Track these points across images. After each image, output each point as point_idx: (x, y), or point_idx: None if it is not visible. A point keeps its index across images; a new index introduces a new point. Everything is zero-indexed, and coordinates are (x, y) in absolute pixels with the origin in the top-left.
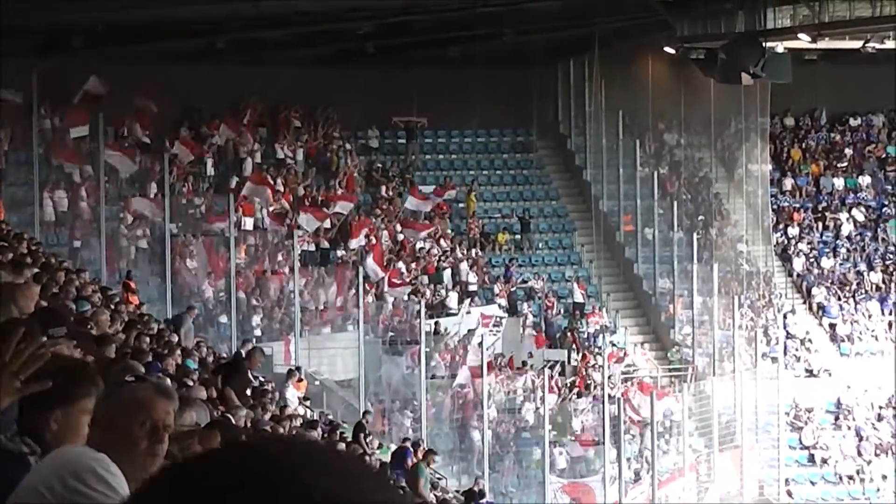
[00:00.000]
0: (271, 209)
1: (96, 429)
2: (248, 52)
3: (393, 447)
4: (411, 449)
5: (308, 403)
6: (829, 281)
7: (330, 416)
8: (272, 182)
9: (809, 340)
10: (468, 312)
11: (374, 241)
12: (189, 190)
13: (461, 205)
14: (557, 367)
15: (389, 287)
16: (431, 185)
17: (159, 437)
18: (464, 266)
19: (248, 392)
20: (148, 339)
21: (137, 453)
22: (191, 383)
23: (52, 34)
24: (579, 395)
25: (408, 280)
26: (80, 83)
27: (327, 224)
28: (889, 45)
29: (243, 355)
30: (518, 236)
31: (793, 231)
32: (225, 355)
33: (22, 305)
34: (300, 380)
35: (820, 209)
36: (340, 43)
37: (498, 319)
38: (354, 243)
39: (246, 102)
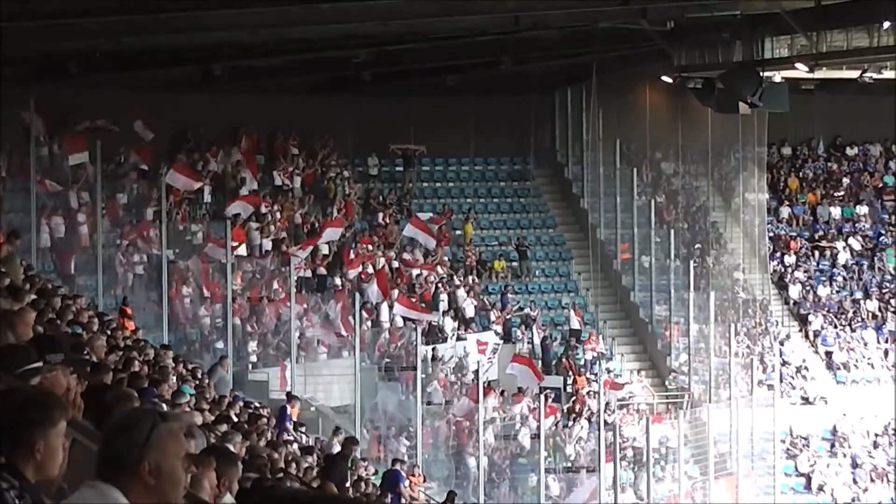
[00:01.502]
0: (268, 237)
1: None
2: (246, 79)
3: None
4: (402, 473)
5: (303, 429)
6: (826, 309)
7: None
8: (269, 206)
9: (806, 368)
10: (459, 339)
11: (371, 269)
12: (183, 217)
13: (458, 232)
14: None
15: (399, 304)
16: (428, 213)
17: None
18: (460, 293)
19: (348, 484)
20: (144, 366)
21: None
22: (187, 409)
23: (49, 61)
24: (575, 422)
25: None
26: (78, 110)
27: (325, 250)
28: (886, 74)
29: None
30: (515, 264)
31: (789, 259)
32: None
33: (19, 332)
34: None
35: (817, 238)
36: (337, 71)
37: (495, 346)
38: (353, 273)
39: (243, 129)
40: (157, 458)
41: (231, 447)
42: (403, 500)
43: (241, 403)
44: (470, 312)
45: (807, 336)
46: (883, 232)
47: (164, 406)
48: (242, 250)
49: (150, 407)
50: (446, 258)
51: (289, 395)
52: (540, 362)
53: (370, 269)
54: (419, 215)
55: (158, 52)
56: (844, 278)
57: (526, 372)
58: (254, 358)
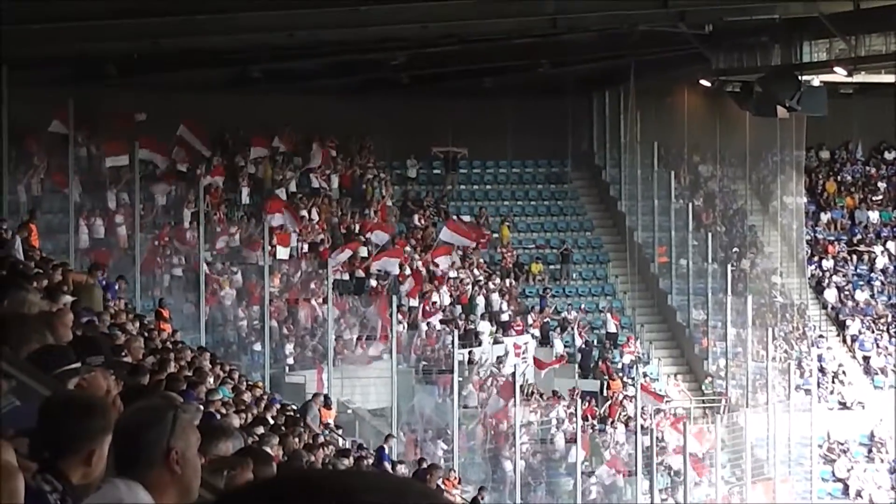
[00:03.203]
0: (306, 240)
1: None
2: (283, 81)
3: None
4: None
5: (340, 432)
6: (864, 314)
7: (361, 444)
8: (306, 212)
9: (843, 373)
10: (496, 342)
11: (409, 270)
12: (221, 218)
13: (495, 235)
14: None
15: (423, 317)
16: (466, 215)
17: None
18: (496, 296)
19: None
20: (182, 368)
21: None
22: (224, 412)
23: (86, 63)
24: (610, 426)
25: (440, 308)
26: (116, 111)
27: (363, 253)
28: None
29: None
30: (553, 266)
31: (827, 264)
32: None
33: (59, 333)
34: (328, 406)
35: (854, 242)
36: (375, 73)
37: (526, 348)
38: (386, 266)
39: (281, 131)
40: (183, 446)
41: (268, 449)
42: None
43: (278, 406)
44: (506, 316)
45: (844, 341)
46: None
47: (202, 408)
48: (284, 254)
49: (162, 400)
50: (482, 261)
51: (321, 396)
52: (577, 366)
53: (408, 271)
54: (454, 218)
55: (196, 54)
56: (882, 283)
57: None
58: (290, 360)
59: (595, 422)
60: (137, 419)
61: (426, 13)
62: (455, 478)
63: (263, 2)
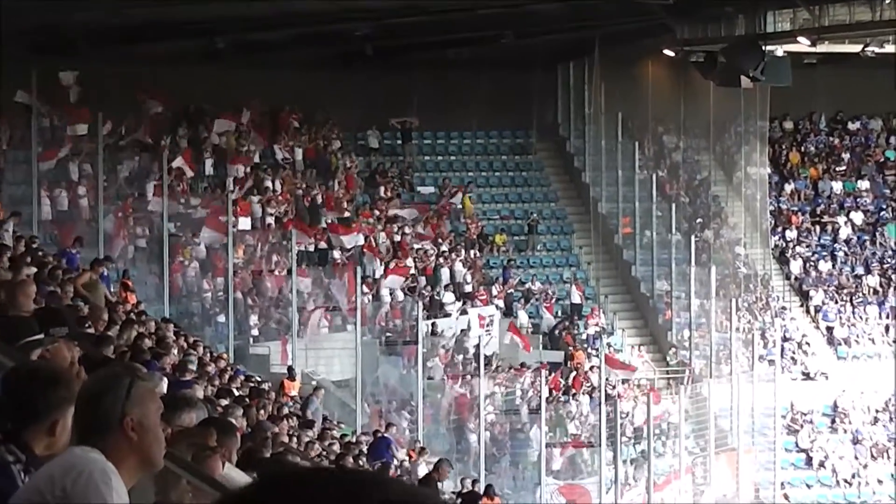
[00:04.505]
0: (272, 215)
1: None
2: (248, 53)
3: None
4: (392, 438)
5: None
6: (827, 284)
7: (326, 415)
8: (271, 184)
9: (807, 343)
10: (463, 313)
11: (372, 241)
12: (185, 189)
13: (459, 206)
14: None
15: (388, 273)
16: (430, 187)
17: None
18: (460, 267)
19: None
20: (146, 339)
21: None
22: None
23: (51, 34)
24: (573, 397)
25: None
26: (80, 84)
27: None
28: (889, 48)
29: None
30: (518, 237)
31: (791, 234)
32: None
33: (21, 303)
34: (291, 378)
35: (818, 212)
36: (339, 45)
37: (490, 320)
38: (350, 240)
39: (245, 102)
40: (139, 413)
41: (232, 420)
42: (396, 462)
43: (242, 377)
44: (470, 287)
45: (808, 311)
46: (884, 207)
47: (167, 380)
48: (246, 224)
49: (121, 369)
50: (446, 231)
51: (321, 390)
52: (542, 337)
53: (371, 242)
54: (420, 189)
55: (161, 26)
56: (846, 253)
57: (516, 342)
58: (255, 332)
59: (560, 393)
60: (93, 387)
61: None
62: (418, 447)
63: None
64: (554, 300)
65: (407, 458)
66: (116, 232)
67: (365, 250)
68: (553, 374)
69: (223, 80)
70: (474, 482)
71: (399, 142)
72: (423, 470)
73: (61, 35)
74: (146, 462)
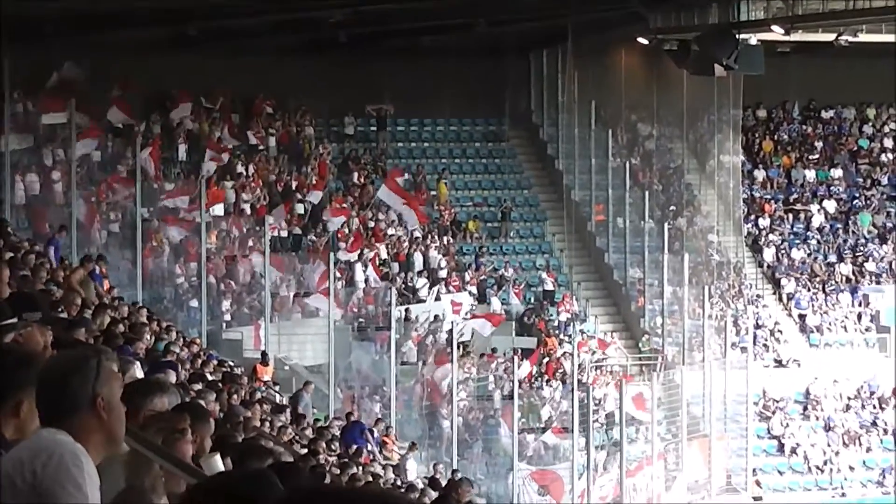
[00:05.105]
0: (247, 202)
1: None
2: (221, 40)
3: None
4: (364, 423)
5: (277, 388)
6: (800, 272)
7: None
8: (244, 170)
9: (779, 331)
10: (437, 299)
11: (347, 230)
12: (157, 175)
13: (433, 192)
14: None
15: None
16: (405, 175)
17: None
18: (434, 253)
19: None
20: (119, 324)
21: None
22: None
23: (23, 22)
24: (546, 383)
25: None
26: (52, 71)
27: (300, 210)
28: (862, 38)
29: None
30: (491, 224)
31: (764, 222)
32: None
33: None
34: (265, 363)
35: (791, 201)
36: (313, 32)
37: (470, 307)
38: (337, 222)
39: (218, 89)
40: (108, 393)
41: (203, 405)
42: (370, 447)
43: (215, 362)
44: (443, 273)
45: (780, 299)
46: (857, 195)
47: (140, 364)
48: (219, 210)
49: (83, 349)
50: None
51: (311, 385)
52: (515, 323)
53: (346, 229)
54: (396, 181)
55: (133, 14)
56: (818, 241)
57: (485, 325)
58: (228, 317)
59: (531, 380)
60: (61, 366)
61: None
62: (393, 434)
63: None
64: (525, 286)
65: (378, 447)
66: (89, 217)
67: (339, 235)
68: (528, 359)
69: (196, 67)
70: (454, 470)
71: (373, 129)
72: (412, 466)
73: (33, 23)
74: (111, 441)
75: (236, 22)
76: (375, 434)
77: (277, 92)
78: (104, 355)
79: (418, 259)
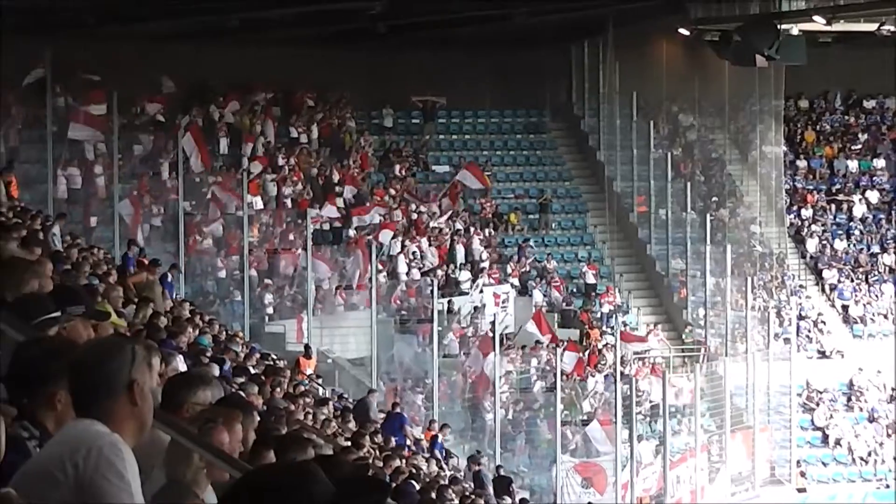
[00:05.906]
0: (289, 196)
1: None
2: (261, 31)
3: None
4: (405, 416)
5: (320, 381)
6: (842, 262)
7: (342, 393)
8: (285, 162)
9: (822, 322)
10: (481, 291)
11: (387, 219)
12: (205, 158)
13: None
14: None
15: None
16: (445, 166)
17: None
18: (476, 245)
19: None
20: (162, 317)
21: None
22: (205, 360)
23: (64, 13)
24: (591, 375)
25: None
26: (92, 61)
27: (341, 203)
28: None
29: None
30: (532, 216)
31: (806, 213)
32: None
33: (41, 282)
34: (307, 356)
35: (833, 191)
36: (352, 23)
37: (506, 297)
38: (367, 218)
39: (259, 82)
40: (143, 380)
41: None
42: (408, 441)
43: (258, 355)
44: (485, 266)
45: (823, 290)
46: None
47: (183, 357)
48: (259, 203)
49: (116, 337)
50: (463, 209)
51: (376, 392)
52: (558, 315)
53: (387, 219)
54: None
55: (174, 3)
56: (861, 232)
57: (534, 327)
58: (270, 310)
59: (582, 370)
60: (97, 352)
61: None
62: (436, 427)
63: None
64: (567, 278)
65: (423, 437)
66: (133, 211)
67: (382, 229)
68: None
69: (236, 58)
70: (498, 466)
71: (414, 121)
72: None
73: (74, 14)
74: (143, 426)
75: (277, 13)
76: (417, 426)
77: (317, 84)
78: (139, 343)
79: (460, 251)
